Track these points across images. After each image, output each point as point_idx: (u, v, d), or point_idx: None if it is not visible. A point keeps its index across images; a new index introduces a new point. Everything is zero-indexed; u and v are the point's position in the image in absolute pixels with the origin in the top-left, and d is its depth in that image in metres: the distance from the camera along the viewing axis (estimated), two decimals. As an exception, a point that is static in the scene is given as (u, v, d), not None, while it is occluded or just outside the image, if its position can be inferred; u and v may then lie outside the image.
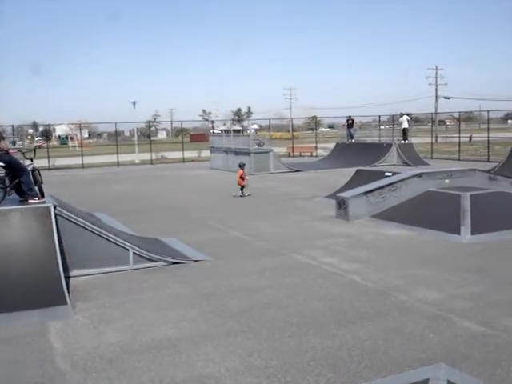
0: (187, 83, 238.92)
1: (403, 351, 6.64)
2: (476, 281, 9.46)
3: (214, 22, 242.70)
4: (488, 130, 38.86)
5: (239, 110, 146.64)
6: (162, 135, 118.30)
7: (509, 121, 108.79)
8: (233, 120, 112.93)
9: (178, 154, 44.97)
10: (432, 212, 14.62)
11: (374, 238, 13.17)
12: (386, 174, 17.63)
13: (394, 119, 47.08)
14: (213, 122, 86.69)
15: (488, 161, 33.90)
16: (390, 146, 35.46)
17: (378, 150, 35.16)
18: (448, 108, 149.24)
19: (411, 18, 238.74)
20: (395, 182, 15.92)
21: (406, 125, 37.30)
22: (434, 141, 46.03)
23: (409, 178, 16.16)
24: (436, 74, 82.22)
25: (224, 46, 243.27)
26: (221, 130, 54.68)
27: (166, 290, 9.41)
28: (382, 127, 49.33)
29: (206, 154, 42.05)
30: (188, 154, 44.94)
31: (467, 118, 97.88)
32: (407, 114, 39.41)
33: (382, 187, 15.74)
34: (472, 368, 6.14)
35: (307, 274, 10.14)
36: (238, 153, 32.98)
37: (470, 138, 49.86)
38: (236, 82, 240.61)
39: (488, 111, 41.97)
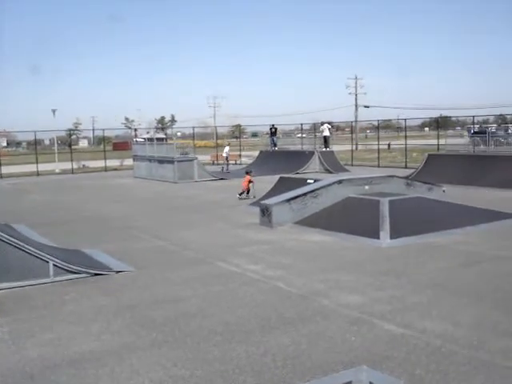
0: (109, 90, 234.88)
1: (326, 355, 6.77)
2: (395, 284, 9.76)
3: (136, 30, 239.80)
4: (405, 137, 40.18)
5: (163, 117, 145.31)
6: (83, 144, 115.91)
7: (426, 128, 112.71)
8: (156, 128, 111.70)
9: (100, 163, 44.12)
10: (352, 218, 15.00)
11: (296, 244, 13.37)
12: (308, 181, 17.94)
13: (315, 127, 47.95)
14: (136, 130, 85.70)
15: (406, 167, 35.01)
16: (312, 153, 36.08)
17: (301, 158, 35.73)
18: (368, 116, 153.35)
19: (333, 27, 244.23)
20: (317, 189, 16.22)
21: (327, 133, 38.06)
22: (354, 148, 47.21)
23: (330, 184, 16.50)
24: (356, 83, 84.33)
25: (147, 53, 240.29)
26: (144, 138, 53.93)
27: (88, 302, 9.22)
28: (304, 135, 50.14)
29: (129, 162, 41.42)
30: (110, 163, 44.15)
31: (386, 126, 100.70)
32: (328, 123, 40.22)
33: (305, 194, 16.00)
34: (393, 369, 6.33)
35: (232, 282, 10.18)
36: (161, 161, 32.72)
37: (389, 145, 51.37)
38: (159, 90, 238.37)
39: (405, 119, 43.48)
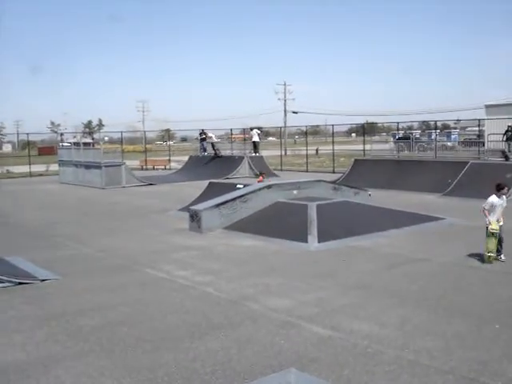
0: (34, 95, 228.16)
1: (256, 359, 6.80)
2: (322, 287, 9.92)
3: (58, 31, 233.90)
4: (333, 142, 40.83)
5: (90, 122, 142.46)
6: (7, 148, 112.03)
7: (353, 134, 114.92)
8: (83, 132, 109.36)
9: (24, 168, 42.76)
10: (281, 222, 15.15)
11: (226, 249, 13.39)
12: (238, 186, 18.00)
13: (245, 132, 48.14)
14: (62, 134, 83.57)
15: (333, 172, 35.65)
16: (241, 158, 36.25)
17: (231, 163, 35.85)
18: (296, 122, 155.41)
19: (262, 34, 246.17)
20: (246, 194, 16.30)
21: (256, 138, 38.27)
22: (283, 153, 47.63)
23: (259, 189, 16.62)
24: (285, 89, 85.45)
25: (74, 55, 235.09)
26: (70, 143, 52.67)
27: (11, 311, 8.92)
28: (234, 140, 50.25)
29: (55, 167, 40.37)
30: (36, 168, 42.89)
31: (314, 132, 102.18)
32: (258, 128, 40.46)
33: (234, 199, 16.04)
34: (321, 371, 6.42)
35: (161, 289, 10.08)
36: (88, 166, 32.09)
37: (317, 150, 52.11)
38: (86, 94, 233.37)
39: (333, 125, 44.16)
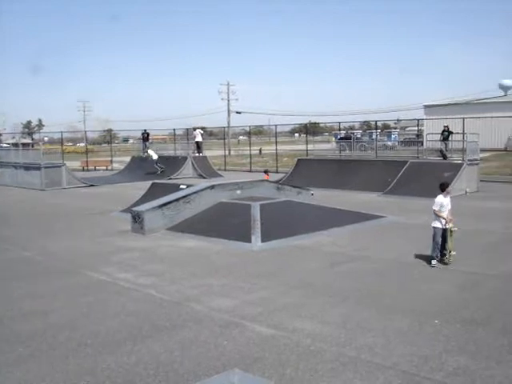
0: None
1: (199, 360, 6.76)
2: (266, 286, 9.95)
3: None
4: (276, 142, 41.11)
5: (29, 122, 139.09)
6: None
7: (296, 134, 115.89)
8: (22, 133, 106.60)
9: (-41, 171, 41.35)
10: (225, 222, 15.12)
11: (169, 250, 13.27)
12: (181, 186, 17.88)
13: (188, 133, 47.89)
14: (0, 134, 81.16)
15: (277, 172, 35.81)
16: (185, 158, 36.05)
17: (174, 163, 35.57)
18: (240, 122, 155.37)
19: (205, 33, 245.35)
20: (189, 195, 16.21)
21: (199, 138, 38.11)
22: (227, 153, 47.62)
23: (202, 190, 16.54)
24: (228, 89, 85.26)
25: (15, 54, 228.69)
26: (9, 144, 51.26)
27: None
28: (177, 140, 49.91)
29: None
30: (-29, 171, 41.52)
31: (258, 132, 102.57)
32: (201, 128, 40.33)
33: (177, 200, 15.93)
34: (264, 370, 6.44)
35: (102, 292, 9.91)
36: (27, 168, 31.28)
37: (260, 150, 52.33)
38: (25, 93, 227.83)
39: (276, 125, 44.47)
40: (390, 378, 6.15)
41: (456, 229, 11.31)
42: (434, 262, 11.17)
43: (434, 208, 11.32)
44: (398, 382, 6.05)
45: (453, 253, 11.25)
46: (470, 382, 6.05)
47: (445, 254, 11.26)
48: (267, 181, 19.72)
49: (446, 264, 11.15)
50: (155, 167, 35.10)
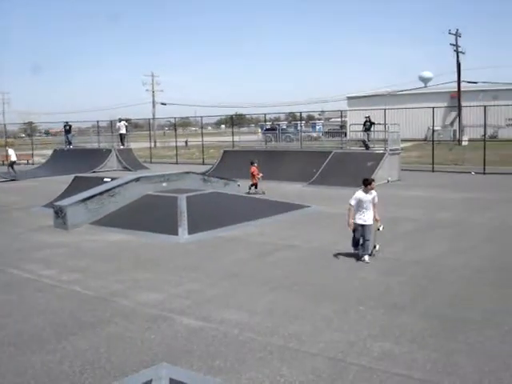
0: None
1: (126, 356, 6.66)
2: (193, 278, 9.92)
3: None
4: (202, 134, 41.01)
5: None
6: None
7: (222, 125, 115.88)
8: None
9: None
10: (151, 215, 14.95)
11: (94, 245, 13.00)
12: (105, 179, 17.56)
13: (112, 125, 47.01)
14: None
15: (203, 163, 35.72)
16: (109, 151, 35.36)
17: (98, 156, 34.83)
18: (166, 114, 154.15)
19: (131, 24, 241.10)
20: (114, 188, 15.92)
21: (123, 130, 37.46)
22: (152, 145, 47.04)
23: (127, 182, 16.28)
24: (152, 80, 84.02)
25: None
26: None
27: None
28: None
29: None
30: None
31: (184, 124, 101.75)
32: (125, 120, 39.66)
33: (101, 193, 15.61)
34: (192, 363, 6.42)
35: (25, 290, 9.59)
36: None
37: (186, 142, 52.01)
38: None
39: (202, 117, 44.31)
40: (316, 365, 6.25)
41: (382, 228, 11.04)
42: (356, 251, 11.03)
43: (349, 202, 10.87)
44: (324, 369, 6.16)
45: (377, 247, 11.15)
46: (394, 365, 6.22)
47: (362, 251, 10.92)
48: (194, 173, 19.59)
49: (370, 255, 10.94)
50: (9, 171, 32.92)
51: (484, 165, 27.51)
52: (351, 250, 11.44)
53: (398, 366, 6.19)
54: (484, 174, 27.00)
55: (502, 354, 6.44)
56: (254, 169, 21.75)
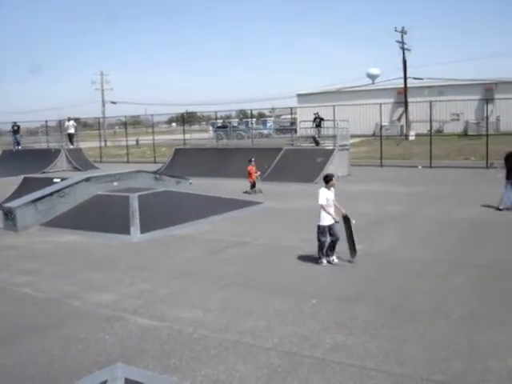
0: None
1: (80, 357, 6.61)
2: (146, 277, 9.88)
3: None
4: (153, 132, 40.66)
5: None
6: None
7: (173, 124, 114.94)
8: None
9: None
10: (103, 215, 14.81)
11: (45, 246, 12.80)
12: (55, 180, 17.29)
13: (61, 124, 46.18)
14: None
15: (155, 162, 35.44)
16: (58, 151, 34.74)
17: (47, 157, 34.15)
18: (116, 112, 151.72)
19: (78, 21, 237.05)
20: (64, 188, 15.70)
21: (72, 130, 36.87)
22: (103, 145, 46.46)
23: (77, 182, 16.07)
24: (102, 79, 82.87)
25: None
26: None
27: None
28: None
29: None
30: None
31: (135, 122, 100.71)
32: (74, 119, 39.03)
33: (51, 194, 15.38)
34: (148, 362, 6.41)
35: (-26, 294, 9.41)
36: None
37: (137, 141, 51.52)
38: None
39: (152, 115, 43.92)
40: (271, 360, 6.33)
41: (354, 221, 10.59)
42: (324, 261, 10.34)
43: (320, 203, 10.21)
44: (279, 363, 6.24)
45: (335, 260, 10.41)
46: (348, 356, 6.35)
47: (332, 252, 10.40)
48: (145, 171, 19.47)
49: (350, 262, 10.36)
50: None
51: (430, 159, 28.17)
52: (302, 245, 11.55)
53: (351, 357, 6.32)
54: (431, 167, 27.64)
55: (451, 342, 6.65)
56: (250, 167, 21.48)
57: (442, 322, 7.29)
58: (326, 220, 10.25)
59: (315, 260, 10.60)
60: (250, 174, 21.31)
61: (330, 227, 10.24)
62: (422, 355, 6.31)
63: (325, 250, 10.36)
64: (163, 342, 6.95)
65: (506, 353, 6.28)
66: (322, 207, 10.21)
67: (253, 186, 21.03)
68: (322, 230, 10.28)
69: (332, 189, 10.49)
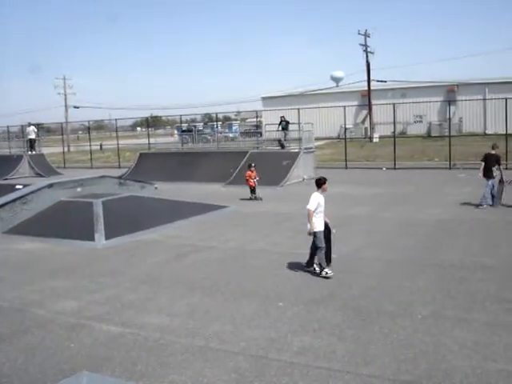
0: None
1: (45, 366, 6.50)
2: (112, 284, 9.77)
3: None
4: (117, 137, 40.35)
5: None
6: None
7: (138, 128, 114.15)
8: None
9: None
10: (66, 221, 14.61)
11: (7, 254, 12.56)
12: (17, 186, 17.03)
13: (23, 130, 45.46)
14: None
15: (119, 167, 35.16)
16: (20, 157, 34.23)
17: (9, 163, 33.64)
18: (79, 117, 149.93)
19: (41, 25, 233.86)
20: (26, 195, 15.44)
21: (32, 135, 36.34)
22: (66, 150, 45.93)
23: (40, 189, 15.83)
24: (64, 83, 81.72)
25: None
26: None
27: None
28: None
29: None
30: None
31: (98, 127, 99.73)
32: (35, 125, 38.47)
33: (14, 201, 15.11)
34: (114, 369, 6.34)
35: None
36: None
37: (101, 145, 51.04)
38: None
39: (116, 119, 43.57)
40: (239, 364, 6.32)
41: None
42: (329, 271, 9.66)
43: (309, 208, 9.65)
44: (246, 367, 6.24)
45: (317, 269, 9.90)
46: (315, 359, 6.38)
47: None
48: (109, 176, 19.28)
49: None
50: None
51: (394, 160, 28.54)
52: (270, 248, 11.55)
53: (318, 359, 6.35)
54: (395, 169, 28.00)
55: (416, 342, 6.73)
56: (248, 173, 20.13)
57: (407, 322, 7.37)
58: (320, 225, 9.75)
59: (281, 263, 10.63)
60: (247, 180, 20.14)
61: (320, 232, 9.73)
62: (388, 355, 6.37)
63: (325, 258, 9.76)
64: (129, 349, 6.88)
65: (471, 351, 6.38)
66: (310, 213, 9.60)
67: (252, 191, 19.97)
68: (319, 236, 9.71)
69: (324, 194, 9.98)
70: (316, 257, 9.85)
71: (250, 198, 19.68)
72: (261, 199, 19.40)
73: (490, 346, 6.53)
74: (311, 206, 9.65)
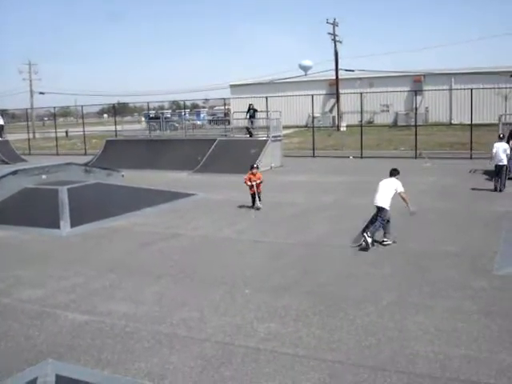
0: None
1: (9, 355, 6.44)
2: (78, 272, 9.67)
3: None
4: (83, 124, 39.79)
5: None
6: None
7: (104, 115, 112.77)
8: None
9: None
10: (31, 209, 14.41)
11: (-30, 242, 12.37)
12: (-20, 174, 16.69)
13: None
14: None
15: (85, 154, 34.74)
16: (-16, 144, 33.56)
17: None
18: (45, 103, 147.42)
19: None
20: (-10, 182, 15.18)
21: (0, 121, 35.70)
22: (31, 137, 45.19)
23: (4, 176, 15.57)
24: (30, 69, 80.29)
25: None
26: None
27: None
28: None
29: None
30: None
31: (64, 113, 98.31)
32: (1, 111, 37.76)
33: (-23, 188, 14.84)
34: (79, 357, 6.31)
35: None
36: None
37: (67, 132, 50.37)
38: None
39: (82, 106, 42.97)
40: (205, 351, 6.34)
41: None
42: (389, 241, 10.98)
43: (403, 190, 11.07)
44: (213, 354, 6.26)
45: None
46: (281, 345, 6.43)
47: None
48: (75, 163, 19.04)
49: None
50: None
51: (361, 149, 28.74)
52: (236, 236, 11.56)
53: (284, 346, 6.41)
54: (361, 157, 28.21)
55: (380, 327, 6.83)
56: (250, 176, 15.50)
57: (372, 308, 7.48)
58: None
59: (249, 250, 10.69)
60: (251, 187, 15.49)
61: None
62: (353, 341, 6.46)
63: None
64: (95, 337, 6.85)
65: (433, 337, 6.50)
66: (406, 195, 11.05)
67: (253, 198, 15.46)
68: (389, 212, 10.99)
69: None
70: (379, 228, 10.91)
71: (252, 207, 15.37)
72: (258, 209, 15.07)
73: (453, 332, 6.67)
74: (403, 188, 11.00)
